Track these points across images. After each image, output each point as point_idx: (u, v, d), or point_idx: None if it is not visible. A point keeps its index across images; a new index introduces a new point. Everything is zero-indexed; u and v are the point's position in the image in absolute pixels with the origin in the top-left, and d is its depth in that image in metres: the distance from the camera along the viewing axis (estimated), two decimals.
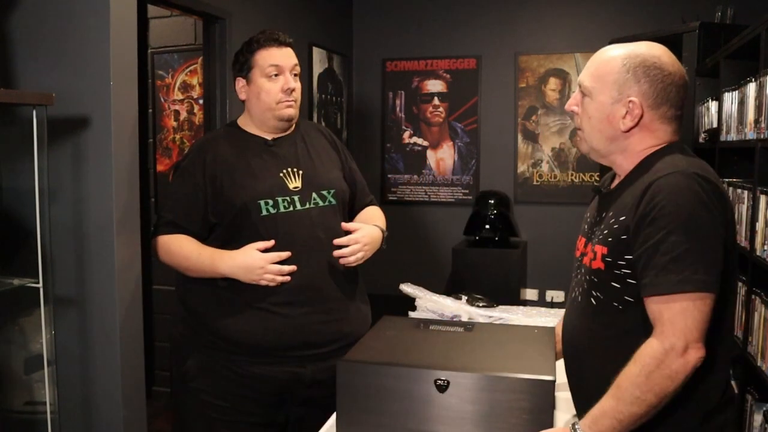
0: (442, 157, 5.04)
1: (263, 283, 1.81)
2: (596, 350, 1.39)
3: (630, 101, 1.37)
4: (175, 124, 4.05)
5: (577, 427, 1.29)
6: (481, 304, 2.46)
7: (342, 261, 1.90)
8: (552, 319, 2.26)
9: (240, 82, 1.99)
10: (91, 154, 2.16)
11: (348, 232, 1.93)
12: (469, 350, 1.56)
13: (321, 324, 1.88)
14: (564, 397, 1.58)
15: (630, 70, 1.37)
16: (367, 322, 2.01)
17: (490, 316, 2.39)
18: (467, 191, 5.00)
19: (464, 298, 2.50)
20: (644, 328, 1.28)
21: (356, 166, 2.17)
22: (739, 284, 2.64)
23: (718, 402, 1.36)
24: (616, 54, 1.40)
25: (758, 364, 2.41)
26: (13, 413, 2.18)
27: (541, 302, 4.82)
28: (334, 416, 1.53)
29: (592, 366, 1.39)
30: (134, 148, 2.25)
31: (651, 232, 1.26)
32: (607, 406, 1.27)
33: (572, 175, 4.81)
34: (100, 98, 2.14)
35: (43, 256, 1.91)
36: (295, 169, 1.95)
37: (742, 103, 2.76)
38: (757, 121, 2.53)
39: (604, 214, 1.43)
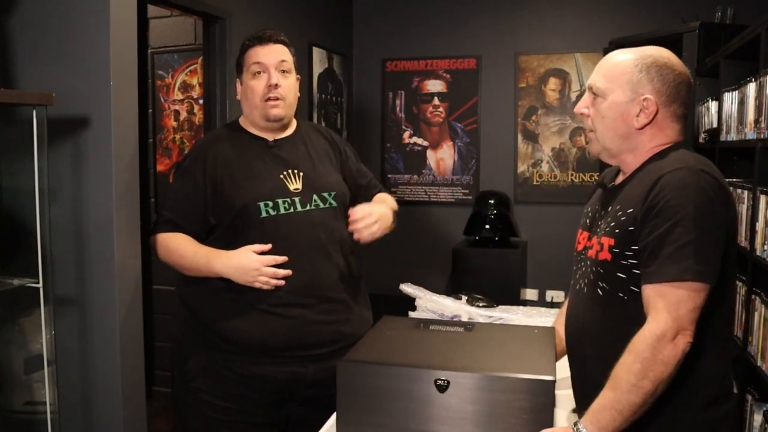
0: (442, 157, 5.04)
1: (257, 285, 1.81)
2: (601, 339, 1.42)
3: (645, 99, 1.42)
4: (175, 124, 4.06)
5: (579, 426, 1.30)
6: (481, 304, 2.46)
7: (356, 236, 1.90)
8: (552, 319, 2.26)
9: (237, 84, 2.03)
10: (91, 154, 2.16)
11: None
12: (469, 350, 1.56)
13: (322, 325, 1.88)
14: (564, 395, 1.59)
15: (643, 70, 1.43)
16: (367, 323, 2.01)
17: (490, 316, 2.39)
18: (467, 191, 5.00)
19: (464, 298, 2.50)
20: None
21: (360, 162, 2.17)
22: (739, 284, 2.64)
23: (717, 395, 1.39)
24: (626, 56, 1.46)
25: (758, 364, 2.41)
26: (13, 413, 2.18)
27: (541, 302, 4.82)
28: (334, 416, 1.53)
29: (596, 354, 1.41)
30: (134, 148, 2.25)
31: (657, 223, 1.32)
32: (605, 398, 1.30)
33: (572, 175, 4.81)
34: (100, 98, 2.13)
35: (43, 256, 1.91)
36: (295, 171, 1.95)
37: (742, 103, 2.76)
38: (757, 121, 2.53)
39: (609, 208, 1.47)
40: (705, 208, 1.30)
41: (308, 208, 1.92)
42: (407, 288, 2.54)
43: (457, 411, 1.38)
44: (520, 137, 4.89)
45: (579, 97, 4.72)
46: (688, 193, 1.31)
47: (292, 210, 1.90)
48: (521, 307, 2.52)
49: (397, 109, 5.09)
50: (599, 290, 1.43)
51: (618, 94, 1.44)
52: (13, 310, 2.11)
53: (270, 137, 2.00)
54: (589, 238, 1.52)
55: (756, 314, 2.47)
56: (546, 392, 1.35)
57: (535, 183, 4.87)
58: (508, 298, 3.97)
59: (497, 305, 2.51)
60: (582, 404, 1.48)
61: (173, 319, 2.05)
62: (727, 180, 2.93)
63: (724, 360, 1.43)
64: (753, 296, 2.51)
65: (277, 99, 1.93)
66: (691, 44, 3.66)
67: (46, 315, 1.91)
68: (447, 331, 1.70)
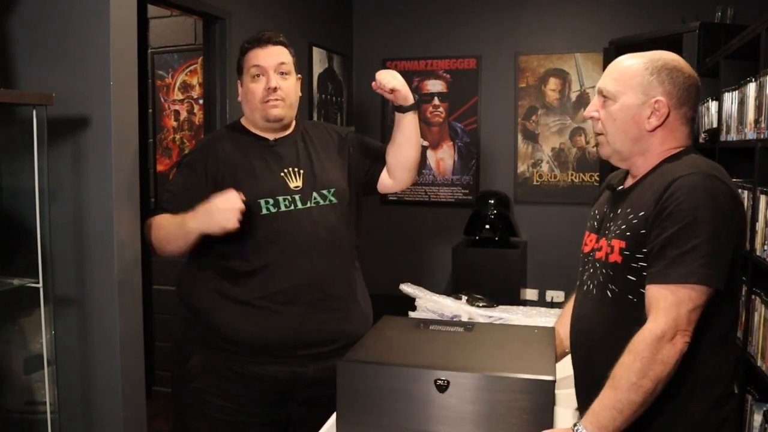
0: (442, 157, 5.04)
1: (230, 225, 1.74)
2: (608, 340, 1.42)
3: (656, 101, 1.43)
4: (175, 124, 4.06)
5: (579, 426, 1.31)
6: (481, 304, 2.46)
7: (377, 81, 1.93)
8: (552, 319, 2.26)
9: (238, 85, 2.04)
10: (91, 154, 2.16)
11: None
12: (469, 350, 1.56)
13: (322, 323, 1.89)
14: (564, 394, 1.59)
15: (654, 73, 1.44)
16: (368, 321, 2.02)
17: (490, 316, 2.39)
18: (467, 191, 5.00)
19: (464, 298, 2.50)
20: None
21: (368, 144, 2.15)
22: None
23: (719, 397, 1.40)
24: (636, 60, 1.47)
25: (758, 364, 2.41)
26: (13, 413, 2.18)
27: (541, 302, 4.82)
28: (334, 416, 1.53)
29: (604, 356, 1.40)
30: (134, 148, 2.25)
31: (666, 225, 1.33)
32: (605, 398, 1.31)
33: (572, 175, 4.81)
34: (100, 98, 2.14)
35: (43, 256, 1.91)
36: (295, 169, 1.96)
37: (742, 103, 2.76)
38: (757, 121, 2.53)
39: (619, 210, 1.48)
40: (715, 214, 1.31)
41: (308, 205, 1.92)
42: (407, 288, 2.54)
43: (457, 411, 1.38)
44: (520, 137, 4.89)
45: (579, 97, 4.73)
46: (699, 198, 1.32)
47: (292, 207, 1.90)
48: (521, 307, 2.52)
49: None
50: (608, 292, 1.44)
51: (629, 96, 1.45)
52: (13, 310, 2.11)
53: (271, 137, 2.00)
54: (597, 240, 1.53)
55: (756, 314, 2.47)
56: (546, 392, 1.35)
57: (535, 183, 4.87)
58: (508, 298, 3.97)
59: (497, 305, 2.51)
60: (585, 405, 1.48)
61: (173, 319, 2.05)
62: None
63: (727, 363, 1.43)
64: (753, 296, 2.52)
65: (276, 100, 1.94)
66: (691, 44, 3.66)
67: (46, 315, 1.91)
68: (447, 331, 1.70)
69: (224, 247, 1.87)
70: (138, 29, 2.27)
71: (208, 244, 1.91)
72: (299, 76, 2.04)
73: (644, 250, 1.37)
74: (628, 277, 1.40)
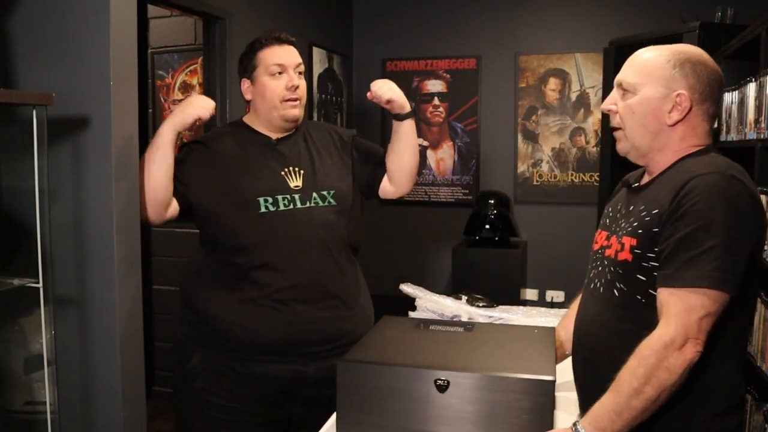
0: (442, 157, 5.04)
1: (205, 114, 1.84)
2: (612, 341, 1.39)
3: (678, 94, 1.39)
4: None
5: (578, 426, 1.29)
6: (481, 304, 2.46)
7: (372, 91, 2.02)
8: (552, 319, 2.26)
9: (245, 83, 2.01)
10: (91, 154, 2.16)
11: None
12: (469, 350, 1.56)
13: (324, 321, 1.89)
14: (564, 397, 1.58)
15: (676, 66, 1.40)
16: (369, 320, 2.02)
17: (490, 316, 2.39)
18: (467, 191, 5.00)
19: (464, 298, 2.50)
20: None
21: (370, 148, 2.17)
22: None
23: (727, 406, 1.36)
24: (658, 53, 1.42)
25: (758, 364, 2.41)
26: (13, 413, 2.17)
27: (541, 302, 4.82)
28: (334, 416, 1.53)
29: (607, 356, 1.38)
30: (134, 148, 2.25)
31: (679, 226, 1.28)
32: (606, 401, 1.28)
33: (572, 175, 4.81)
34: (100, 98, 2.13)
35: (43, 256, 1.91)
36: (296, 168, 1.96)
37: (742, 103, 2.76)
38: (757, 121, 2.53)
39: (632, 207, 1.44)
40: (732, 215, 1.26)
41: (308, 205, 1.92)
42: (407, 288, 2.54)
43: (457, 411, 1.38)
44: (520, 137, 4.89)
45: (579, 97, 4.73)
46: (716, 198, 1.27)
47: (291, 207, 1.90)
48: (521, 307, 2.52)
49: None
50: (616, 291, 1.40)
51: (650, 89, 1.40)
52: (13, 310, 2.10)
53: (273, 135, 2.00)
54: (608, 238, 1.48)
55: (756, 314, 2.47)
56: (546, 392, 1.35)
57: (535, 183, 4.87)
58: (508, 298, 3.97)
59: (497, 305, 2.51)
60: (587, 406, 1.47)
61: (174, 319, 2.05)
62: None
63: (737, 373, 1.38)
64: None
65: (296, 100, 1.95)
66: (691, 44, 3.65)
67: (46, 315, 1.91)
68: (447, 331, 1.70)
69: (224, 246, 1.87)
70: (138, 29, 2.27)
71: (208, 243, 1.91)
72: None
73: (656, 249, 1.32)
74: (638, 276, 1.35)
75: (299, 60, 1.98)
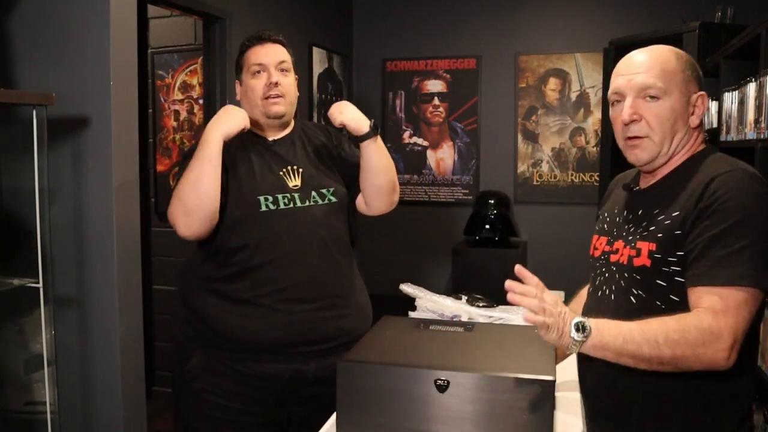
0: (442, 157, 5.04)
1: (244, 123, 1.84)
2: None
3: (699, 96, 1.38)
4: (175, 124, 4.06)
5: (585, 322, 1.25)
6: (481, 304, 2.46)
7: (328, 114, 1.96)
8: None
9: (237, 85, 2.04)
10: (91, 154, 2.16)
11: None
12: (469, 350, 1.56)
13: (323, 320, 1.89)
14: (564, 397, 1.58)
15: (688, 68, 1.38)
16: (368, 319, 2.02)
17: (490, 316, 2.38)
18: (467, 191, 5.00)
19: (464, 298, 2.50)
20: None
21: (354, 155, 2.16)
22: None
23: (745, 412, 1.33)
24: (668, 54, 1.39)
25: (758, 363, 2.41)
26: (13, 413, 2.18)
27: None
28: (334, 416, 1.53)
29: (623, 367, 1.32)
30: (134, 148, 2.26)
31: (710, 224, 1.25)
32: (625, 325, 1.24)
33: (572, 175, 4.81)
34: (100, 98, 2.14)
35: (43, 256, 1.91)
36: (294, 168, 1.96)
37: (742, 103, 2.76)
38: (757, 121, 2.53)
39: (640, 211, 1.40)
40: (763, 212, 1.24)
41: (307, 204, 1.92)
42: (407, 288, 2.54)
43: (457, 411, 1.38)
44: (520, 137, 4.89)
45: (579, 97, 4.73)
46: (745, 196, 1.24)
47: (291, 206, 1.90)
48: (521, 307, 2.51)
49: (397, 109, 5.09)
50: (633, 298, 1.36)
51: (676, 93, 1.36)
52: (13, 310, 2.11)
53: (270, 136, 2.00)
54: (610, 243, 1.45)
55: None
56: (546, 392, 1.35)
57: (535, 183, 4.87)
58: None
59: (497, 305, 2.51)
60: (594, 412, 1.45)
61: (174, 319, 2.05)
62: None
63: (751, 372, 1.34)
64: None
65: (277, 96, 1.94)
66: (691, 44, 3.66)
67: (46, 315, 1.91)
68: (447, 331, 1.70)
69: (224, 245, 1.87)
70: (138, 29, 2.27)
71: (207, 243, 1.91)
72: (296, 76, 2.05)
73: (678, 253, 1.29)
74: (658, 282, 1.31)
75: (281, 57, 1.97)
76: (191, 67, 3.99)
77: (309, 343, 1.87)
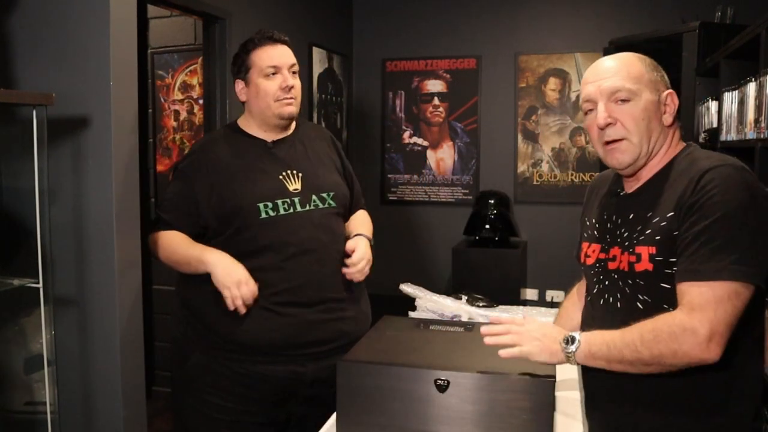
0: (442, 157, 5.04)
1: (226, 294, 1.78)
2: None
3: (668, 94, 1.40)
4: (175, 124, 4.06)
5: (576, 334, 1.32)
6: (481, 304, 2.47)
7: (348, 277, 1.94)
8: (552, 318, 2.26)
9: (239, 84, 2.00)
10: (91, 154, 2.16)
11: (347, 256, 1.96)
12: (469, 350, 1.56)
13: (322, 323, 1.89)
14: (564, 397, 1.58)
15: (654, 69, 1.41)
16: (367, 321, 2.02)
17: (490, 316, 2.39)
18: (467, 191, 5.00)
19: (464, 298, 2.50)
20: None
21: (352, 171, 2.17)
22: None
23: (752, 411, 1.32)
24: (632, 58, 1.42)
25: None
26: (13, 413, 2.17)
27: (541, 302, 4.81)
28: (334, 416, 1.53)
29: (632, 374, 1.32)
30: (134, 148, 2.25)
31: (695, 220, 1.25)
32: (608, 334, 1.30)
33: (572, 175, 4.81)
34: (100, 98, 2.14)
35: (43, 256, 1.91)
36: (294, 171, 1.95)
37: (742, 102, 2.76)
38: (757, 121, 2.53)
39: (631, 216, 1.40)
40: (750, 207, 1.23)
41: (307, 208, 1.92)
42: (407, 288, 2.55)
43: (457, 411, 1.38)
44: (520, 137, 4.89)
45: (579, 97, 4.73)
46: (732, 190, 1.24)
47: (291, 210, 1.90)
48: (521, 307, 2.53)
49: (397, 109, 5.09)
50: (639, 303, 1.34)
51: (647, 94, 1.38)
52: (13, 310, 2.10)
53: (269, 138, 1.99)
54: (604, 250, 1.44)
55: None
56: (546, 392, 1.35)
57: (535, 183, 4.87)
58: (508, 298, 3.97)
59: (497, 305, 2.51)
60: (595, 413, 1.45)
61: (173, 320, 2.05)
62: None
63: (756, 379, 1.34)
64: None
65: (291, 98, 1.95)
66: (691, 44, 3.66)
67: (46, 315, 1.91)
68: (447, 331, 1.70)
69: (223, 249, 1.87)
70: (138, 29, 2.27)
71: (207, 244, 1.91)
72: None
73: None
74: (662, 285, 1.31)
75: (293, 60, 1.97)
76: (191, 67, 3.99)
77: (307, 346, 1.87)
